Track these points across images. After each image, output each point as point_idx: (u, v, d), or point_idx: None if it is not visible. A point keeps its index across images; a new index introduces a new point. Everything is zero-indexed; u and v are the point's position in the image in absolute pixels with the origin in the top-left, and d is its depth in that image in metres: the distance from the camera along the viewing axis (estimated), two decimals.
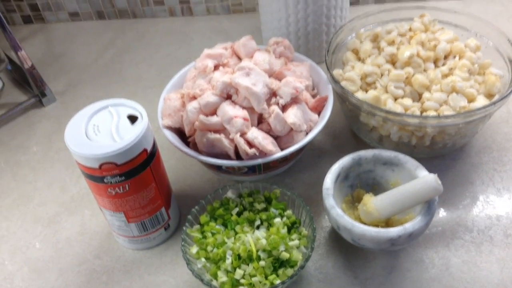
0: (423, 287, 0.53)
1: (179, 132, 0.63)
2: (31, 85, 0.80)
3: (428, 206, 0.52)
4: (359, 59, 0.68)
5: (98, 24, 1.00)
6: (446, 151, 0.65)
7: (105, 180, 0.51)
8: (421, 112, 0.60)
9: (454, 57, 0.65)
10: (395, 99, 0.62)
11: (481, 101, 0.60)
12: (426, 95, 0.61)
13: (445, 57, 0.65)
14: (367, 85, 0.64)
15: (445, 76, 0.63)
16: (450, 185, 0.62)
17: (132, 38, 0.95)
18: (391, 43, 0.67)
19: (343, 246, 0.57)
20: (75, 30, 0.99)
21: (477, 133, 0.65)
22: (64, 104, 0.82)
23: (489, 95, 0.62)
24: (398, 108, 0.60)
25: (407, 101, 0.61)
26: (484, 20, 0.68)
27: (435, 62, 0.65)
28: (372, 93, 0.61)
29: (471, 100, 0.61)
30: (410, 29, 0.69)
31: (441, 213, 0.60)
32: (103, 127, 0.51)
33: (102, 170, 0.50)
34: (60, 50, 0.94)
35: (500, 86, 0.62)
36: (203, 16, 0.98)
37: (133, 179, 0.52)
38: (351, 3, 0.88)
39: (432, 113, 0.59)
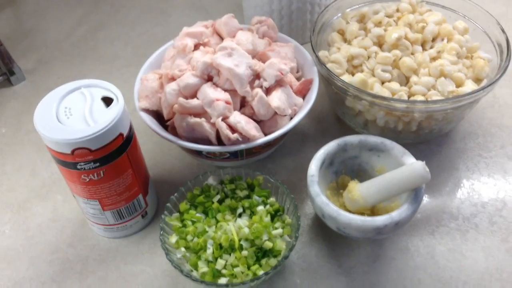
0: (408, 276, 0.52)
1: (157, 115, 0.60)
2: None
3: (415, 194, 0.50)
4: (345, 40, 0.66)
5: None
6: (432, 137, 0.63)
7: (78, 167, 0.48)
8: (409, 97, 0.59)
9: (442, 39, 0.63)
10: (382, 82, 0.60)
11: (469, 86, 0.58)
12: (413, 79, 0.59)
13: (433, 40, 0.64)
14: (353, 68, 0.62)
15: (433, 59, 0.61)
16: (435, 171, 0.61)
17: (107, 13, 0.91)
18: (378, 24, 0.65)
19: (327, 234, 0.56)
20: (46, 4, 0.94)
21: (463, 118, 0.64)
22: (34, 83, 0.78)
23: (477, 80, 0.61)
24: (385, 92, 0.58)
25: (395, 85, 0.59)
26: (472, 2, 0.66)
27: (423, 44, 0.63)
28: (359, 76, 0.59)
29: (459, 84, 0.59)
30: (397, 10, 0.67)
31: (426, 199, 0.59)
32: (75, 110, 0.48)
33: (75, 155, 0.47)
34: (29, 25, 0.89)
35: (489, 71, 0.61)
36: None
37: (108, 165, 0.49)
38: None
39: (419, 97, 0.58)
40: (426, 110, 0.56)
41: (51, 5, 0.93)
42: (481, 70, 0.60)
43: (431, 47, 0.63)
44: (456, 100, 0.55)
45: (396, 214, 0.49)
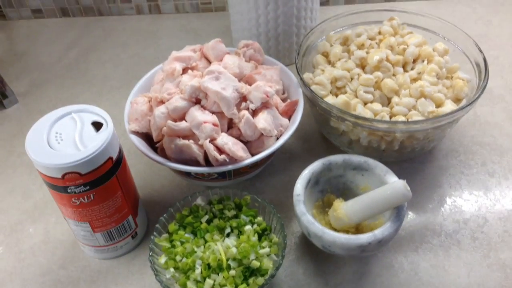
0: None
1: (147, 137, 0.62)
2: None
3: (398, 212, 0.52)
4: (329, 62, 0.68)
5: (62, 22, 0.96)
6: (414, 155, 0.65)
7: (68, 190, 0.49)
8: (390, 117, 0.60)
9: (423, 61, 0.65)
10: (365, 103, 0.62)
11: (449, 106, 0.60)
12: (395, 99, 0.61)
13: (414, 61, 0.66)
14: (337, 89, 0.64)
15: (413, 80, 0.63)
16: (419, 188, 0.63)
17: (98, 36, 0.92)
18: (361, 46, 0.67)
19: (314, 252, 0.57)
20: (38, 28, 0.95)
21: (444, 137, 0.66)
22: (26, 106, 0.79)
23: (457, 100, 0.63)
24: (368, 113, 0.60)
25: (377, 106, 0.61)
26: (452, 24, 0.68)
27: (404, 66, 0.65)
28: (342, 98, 0.60)
29: (439, 105, 0.61)
30: (379, 33, 0.69)
31: (410, 216, 0.60)
32: (66, 135, 0.50)
33: (65, 180, 0.48)
34: (22, 48, 0.91)
35: (468, 91, 0.63)
36: (171, 14, 0.96)
37: (98, 188, 0.50)
38: (321, 3, 0.88)
39: (401, 118, 0.59)
40: (407, 130, 0.58)
41: (43, 28, 0.95)
42: (460, 91, 0.62)
43: (412, 69, 0.65)
44: (436, 121, 0.57)
45: (379, 232, 0.50)
